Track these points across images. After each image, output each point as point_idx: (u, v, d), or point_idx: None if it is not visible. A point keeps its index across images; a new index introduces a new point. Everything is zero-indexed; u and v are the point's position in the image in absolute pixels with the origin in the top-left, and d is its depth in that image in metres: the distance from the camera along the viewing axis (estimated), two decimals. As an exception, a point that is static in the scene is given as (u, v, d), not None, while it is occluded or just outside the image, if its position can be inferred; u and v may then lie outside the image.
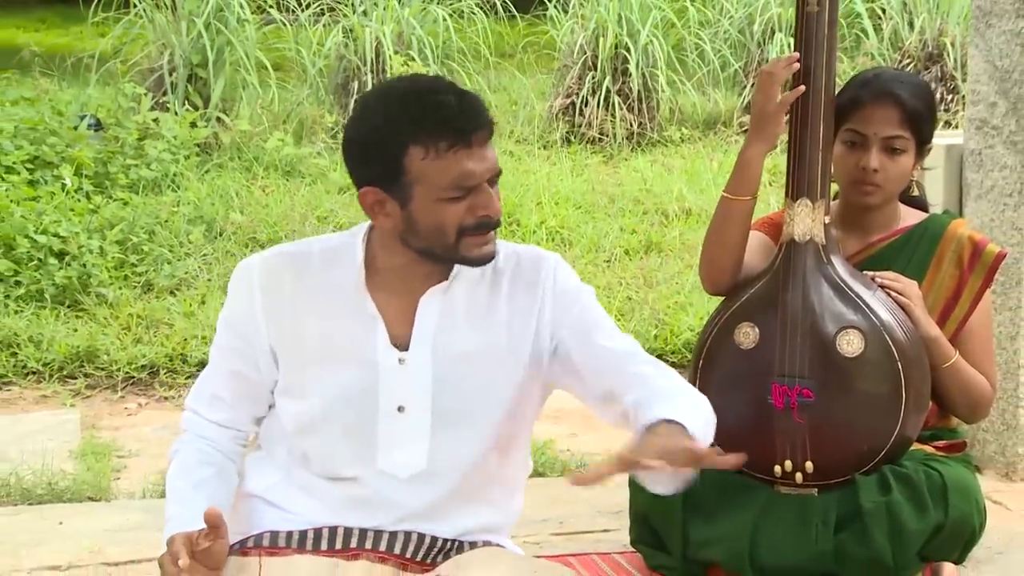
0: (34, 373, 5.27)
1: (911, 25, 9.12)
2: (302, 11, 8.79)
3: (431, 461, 2.48)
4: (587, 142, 8.42)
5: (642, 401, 2.41)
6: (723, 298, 3.37)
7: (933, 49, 8.94)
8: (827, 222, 3.25)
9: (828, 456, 3.20)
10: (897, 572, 3.14)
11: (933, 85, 8.82)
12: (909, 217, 3.45)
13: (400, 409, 2.47)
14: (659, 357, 5.56)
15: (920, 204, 3.52)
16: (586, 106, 8.49)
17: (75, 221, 6.22)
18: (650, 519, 3.37)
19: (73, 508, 3.91)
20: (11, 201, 6.30)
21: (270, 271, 2.53)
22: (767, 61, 8.56)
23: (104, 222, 6.34)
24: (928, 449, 3.38)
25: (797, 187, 3.25)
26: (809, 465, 3.21)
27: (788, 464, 3.22)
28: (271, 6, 8.68)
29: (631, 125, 8.46)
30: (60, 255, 5.98)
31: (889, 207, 3.41)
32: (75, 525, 3.73)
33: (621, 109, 8.44)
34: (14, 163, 6.77)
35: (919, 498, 3.16)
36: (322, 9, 8.79)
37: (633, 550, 3.46)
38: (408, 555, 2.49)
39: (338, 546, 2.46)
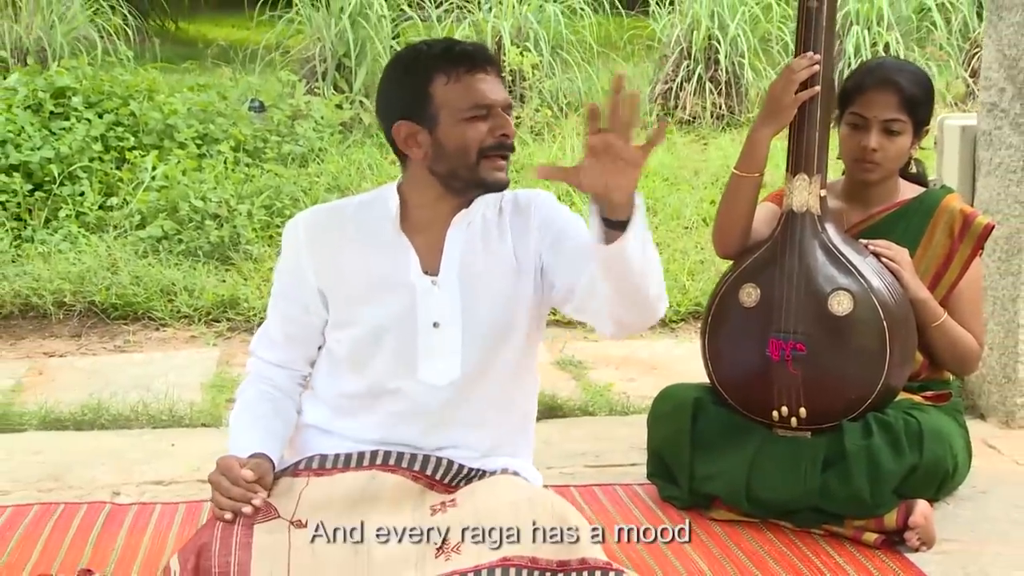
0: (186, 317, 5.38)
1: (980, 16, 8.76)
2: (434, 9, 8.80)
3: (464, 368, 2.50)
4: (681, 123, 8.28)
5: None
6: (732, 262, 3.30)
7: (1000, 39, 8.57)
8: (823, 195, 3.17)
9: (820, 403, 3.12)
10: (875, 508, 3.05)
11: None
12: (907, 191, 3.36)
13: (435, 325, 2.49)
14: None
15: (919, 180, 3.41)
16: (681, 91, 8.35)
17: (229, 189, 6.33)
18: (663, 455, 3.33)
19: (188, 432, 3.97)
20: (180, 171, 6.45)
21: (313, 223, 2.57)
22: (845, 53, 8.34)
23: (255, 190, 6.44)
24: (916, 399, 3.27)
25: (796, 163, 3.18)
26: (803, 411, 3.13)
27: (784, 410, 3.15)
28: (408, 4, 8.71)
29: (720, 108, 8.30)
30: (215, 217, 6.10)
31: (889, 182, 3.32)
32: (185, 447, 3.80)
33: (712, 94, 8.29)
34: (186, 139, 6.92)
35: (897, 442, 3.07)
36: (452, 7, 8.79)
37: (649, 482, 3.42)
38: (436, 477, 2.48)
39: (378, 462, 2.47)
